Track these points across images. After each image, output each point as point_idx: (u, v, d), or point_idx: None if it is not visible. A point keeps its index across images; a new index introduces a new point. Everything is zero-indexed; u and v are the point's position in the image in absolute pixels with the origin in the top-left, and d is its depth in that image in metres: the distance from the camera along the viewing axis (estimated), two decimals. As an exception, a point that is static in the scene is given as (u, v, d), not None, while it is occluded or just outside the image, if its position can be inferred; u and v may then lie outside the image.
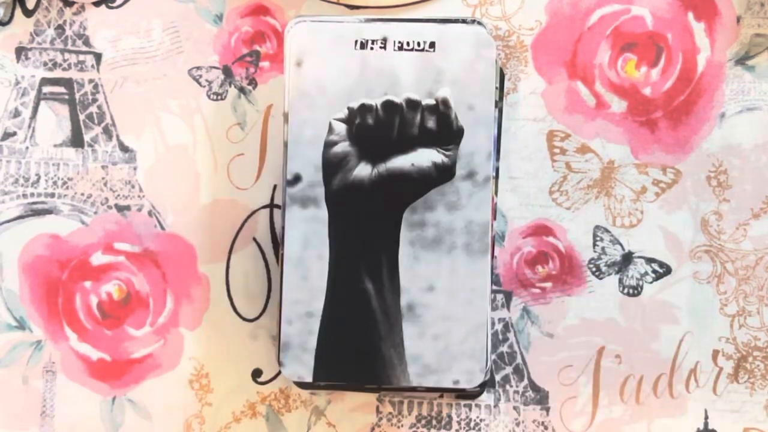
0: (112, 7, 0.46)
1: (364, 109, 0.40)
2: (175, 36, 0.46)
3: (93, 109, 0.46)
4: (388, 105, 0.40)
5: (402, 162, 0.40)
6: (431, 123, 0.40)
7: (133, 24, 0.46)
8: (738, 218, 0.44)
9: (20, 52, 0.46)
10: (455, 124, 0.40)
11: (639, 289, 0.45)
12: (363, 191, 0.40)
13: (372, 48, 0.40)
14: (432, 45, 0.40)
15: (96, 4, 0.46)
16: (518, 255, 0.45)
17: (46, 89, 0.46)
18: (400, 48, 0.40)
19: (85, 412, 0.45)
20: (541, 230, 0.45)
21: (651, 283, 0.44)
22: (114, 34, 0.46)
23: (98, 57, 0.46)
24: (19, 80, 0.46)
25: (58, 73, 0.46)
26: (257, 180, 0.45)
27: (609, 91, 0.45)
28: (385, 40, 0.40)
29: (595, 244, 0.45)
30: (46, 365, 0.45)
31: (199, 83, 0.46)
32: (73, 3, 0.46)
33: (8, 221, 0.46)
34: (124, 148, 0.46)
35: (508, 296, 0.45)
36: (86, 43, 0.46)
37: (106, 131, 0.46)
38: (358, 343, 0.40)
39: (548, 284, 0.45)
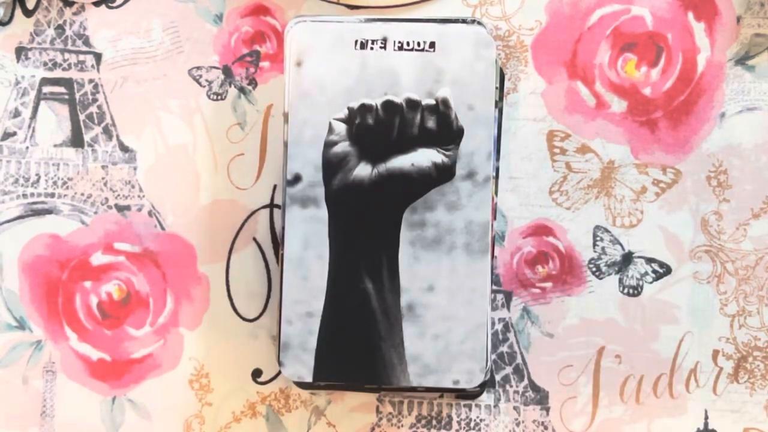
0: (112, 7, 0.46)
1: (364, 109, 0.40)
2: (175, 36, 0.46)
3: (93, 109, 0.46)
4: (388, 105, 0.40)
5: (402, 162, 0.40)
6: (431, 123, 0.40)
7: (133, 24, 0.46)
8: (738, 218, 0.44)
9: (20, 52, 0.46)
10: (455, 124, 0.40)
11: (639, 289, 0.45)
12: (363, 191, 0.40)
13: (372, 48, 0.40)
14: (432, 45, 0.40)
15: (96, 4, 0.46)
16: (518, 255, 0.45)
17: (46, 89, 0.46)
18: (400, 48, 0.40)
19: (85, 412, 0.45)
20: (541, 230, 0.45)
21: (651, 283, 0.44)
22: (114, 34, 0.46)
23: (98, 57, 0.46)
24: (19, 80, 0.46)
25: (58, 73, 0.46)
26: (257, 180, 0.45)
27: (609, 91, 0.45)
28: (385, 40, 0.40)
29: (595, 244, 0.45)
30: (46, 365, 0.45)
31: (199, 83, 0.46)
32: (73, 3, 0.46)
33: (8, 221, 0.46)
34: (124, 148, 0.46)
35: (508, 296, 0.45)
36: (86, 43, 0.46)
37: (106, 131, 0.46)
38: (358, 343, 0.40)
39: (548, 284, 0.45)
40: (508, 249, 0.45)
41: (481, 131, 0.40)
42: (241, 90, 0.46)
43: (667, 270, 0.45)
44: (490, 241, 0.40)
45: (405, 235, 0.40)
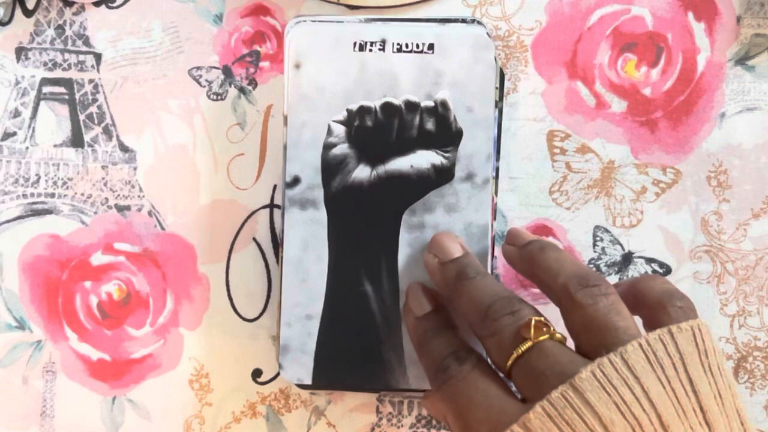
0: (112, 7, 0.46)
1: (363, 111, 0.40)
2: (175, 36, 0.46)
3: (93, 109, 0.46)
4: (387, 107, 0.40)
5: (401, 164, 0.40)
6: (430, 125, 0.40)
7: (133, 24, 0.46)
8: (738, 218, 0.44)
9: (20, 52, 0.46)
10: (454, 125, 0.40)
11: (639, 289, 0.44)
12: (362, 193, 0.40)
13: (371, 50, 0.40)
14: (431, 47, 0.40)
15: (96, 4, 0.46)
16: (518, 255, 0.45)
17: (46, 89, 0.46)
18: (399, 50, 0.40)
19: (85, 412, 0.45)
20: (541, 230, 0.45)
21: (651, 283, 0.44)
22: (114, 34, 0.46)
23: (98, 57, 0.46)
24: (19, 80, 0.46)
25: (58, 73, 0.46)
26: (257, 180, 0.45)
27: (609, 91, 0.45)
28: (383, 42, 0.40)
29: (595, 244, 0.45)
30: (46, 365, 0.45)
31: (199, 83, 0.46)
32: (73, 3, 0.46)
33: (8, 221, 0.46)
34: (124, 148, 0.46)
35: (508, 296, 0.45)
36: (86, 43, 0.46)
37: (106, 131, 0.46)
38: (357, 346, 0.40)
39: (548, 284, 0.45)
40: (508, 249, 0.45)
41: (481, 133, 0.40)
42: (241, 90, 0.46)
43: (667, 270, 0.45)
44: (489, 243, 0.40)
45: (404, 237, 0.40)
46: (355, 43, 0.40)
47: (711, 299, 0.44)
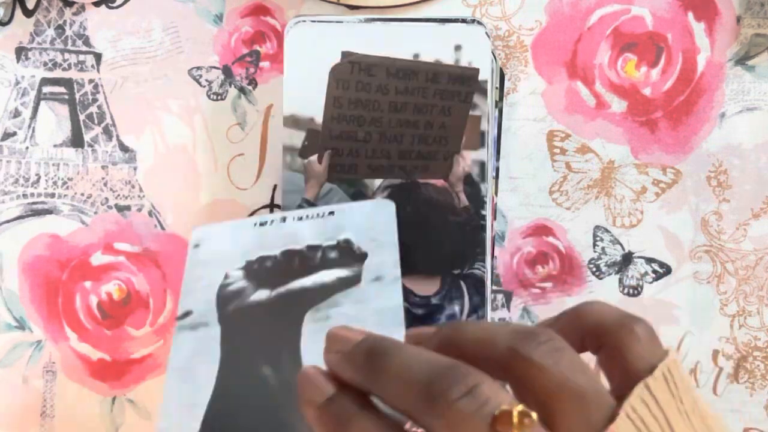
0: (112, 7, 0.46)
1: (263, 259, 0.38)
2: (175, 36, 0.46)
3: (93, 109, 0.46)
4: (287, 252, 0.38)
5: (303, 282, 0.37)
6: (333, 254, 0.38)
7: (133, 24, 0.46)
8: (738, 218, 0.44)
9: (20, 52, 0.46)
10: (358, 251, 0.38)
11: (639, 289, 0.44)
12: (260, 309, 0.37)
13: (272, 223, 0.39)
14: (331, 213, 0.39)
15: (96, 4, 0.46)
16: (518, 255, 0.45)
17: (46, 89, 0.46)
18: (300, 219, 0.39)
19: (85, 412, 0.45)
20: (541, 230, 0.45)
21: (651, 283, 0.44)
22: (114, 34, 0.46)
23: (98, 57, 0.46)
24: (19, 80, 0.46)
25: (58, 73, 0.46)
26: (257, 180, 0.45)
27: (609, 91, 0.45)
28: (284, 219, 0.39)
29: (595, 244, 0.45)
30: (46, 365, 0.45)
31: (199, 83, 0.46)
32: (73, 3, 0.46)
33: (8, 221, 0.46)
34: (124, 148, 0.46)
35: (508, 296, 0.45)
36: (86, 43, 0.46)
37: (106, 131, 0.46)
38: (249, 427, 0.35)
39: (548, 284, 0.45)
40: (508, 249, 0.45)
41: (387, 249, 0.37)
42: (241, 90, 0.46)
43: (667, 270, 0.45)
44: (403, 321, 0.35)
45: (308, 328, 0.36)
46: (255, 223, 0.39)
47: (711, 299, 0.44)
